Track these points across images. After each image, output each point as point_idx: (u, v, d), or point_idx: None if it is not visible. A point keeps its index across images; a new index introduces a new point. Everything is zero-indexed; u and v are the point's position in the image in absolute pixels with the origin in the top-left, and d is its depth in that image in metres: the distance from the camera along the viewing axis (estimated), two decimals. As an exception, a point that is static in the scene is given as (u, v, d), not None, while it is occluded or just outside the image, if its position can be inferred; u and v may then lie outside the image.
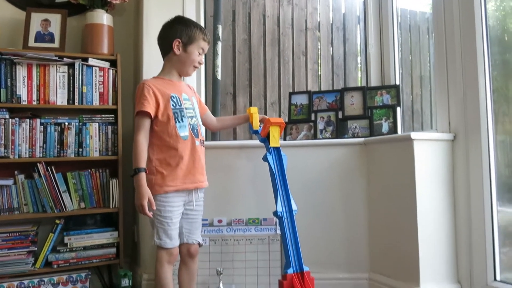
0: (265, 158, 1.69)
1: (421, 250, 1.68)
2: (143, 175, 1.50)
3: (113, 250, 2.09)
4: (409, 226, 1.70)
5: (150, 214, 1.51)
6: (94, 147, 2.13)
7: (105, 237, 2.09)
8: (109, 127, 2.15)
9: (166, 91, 1.59)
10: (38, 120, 2.02)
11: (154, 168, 1.56)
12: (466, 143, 1.75)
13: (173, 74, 1.66)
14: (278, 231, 1.88)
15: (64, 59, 2.04)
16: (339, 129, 2.12)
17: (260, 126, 1.81)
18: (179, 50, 1.61)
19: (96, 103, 2.14)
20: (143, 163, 1.52)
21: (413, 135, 1.69)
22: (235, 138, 2.39)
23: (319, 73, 2.97)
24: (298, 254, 1.55)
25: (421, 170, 1.70)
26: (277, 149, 1.71)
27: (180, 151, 1.56)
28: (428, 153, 1.73)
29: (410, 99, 2.79)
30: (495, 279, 1.66)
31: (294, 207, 1.63)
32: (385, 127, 2.05)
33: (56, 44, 2.11)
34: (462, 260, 1.74)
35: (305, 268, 1.54)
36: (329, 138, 2.09)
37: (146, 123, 1.55)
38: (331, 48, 2.98)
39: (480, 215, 1.69)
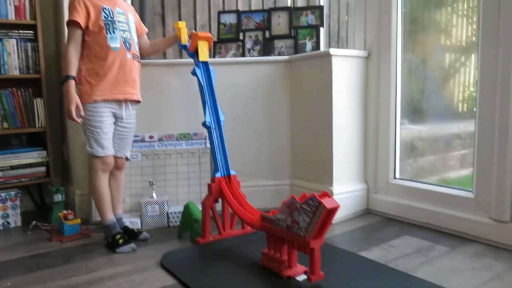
0: (193, 72, 1.74)
1: (335, 156, 1.89)
2: (71, 82, 1.54)
3: (43, 169, 2.10)
4: (326, 135, 1.89)
5: (78, 120, 1.55)
6: (13, 65, 2.04)
7: (32, 156, 2.08)
8: (29, 44, 2.06)
9: (98, 3, 1.61)
10: None
11: (83, 78, 1.59)
12: (378, 61, 1.93)
13: None
14: (208, 145, 1.99)
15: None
16: (266, 48, 2.20)
17: (188, 41, 1.83)
18: None
19: (11, 17, 2.02)
20: (71, 71, 1.55)
21: (332, 51, 1.83)
22: (165, 57, 2.38)
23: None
24: (226, 160, 1.68)
25: (337, 84, 1.86)
26: (205, 63, 1.76)
27: (109, 61, 1.58)
28: (345, 68, 1.89)
29: (336, 26, 2.92)
30: (394, 177, 1.93)
31: (222, 118, 1.73)
32: (308, 46, 2.17)
33: None
34: (369, 164, 1.99)
35: (232, 172, 1.68)
36: (256, 56, 2.17)
37: (77, 33, 1.58)
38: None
39: (386, 126, 1.92)
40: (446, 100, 2.01)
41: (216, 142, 1.70)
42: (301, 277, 1.30)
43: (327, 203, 1.16)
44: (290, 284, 1.27)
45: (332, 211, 1.18)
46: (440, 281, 1.26)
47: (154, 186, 1.93)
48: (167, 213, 1.89)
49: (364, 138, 1.99)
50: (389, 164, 1.93)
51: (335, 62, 1.84)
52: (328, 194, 1.21)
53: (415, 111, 2.05)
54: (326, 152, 1.90)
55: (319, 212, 1.17)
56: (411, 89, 2.00)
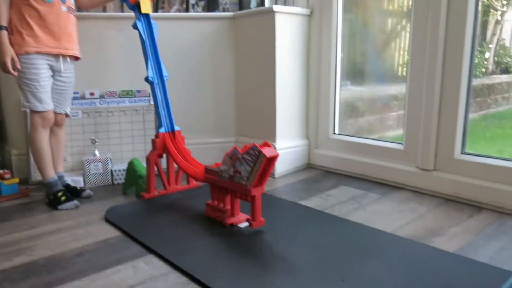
0: (134, 25, 1.69)
1: (278, 113, 1.94)
2: (4, 33, 1.46)
3: (-26, 128, 1.98)
4: (269, 93, 1.94)
5: (14, 73, 1.48)
6: None
7: (-39, 115, 1.95)
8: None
9: None
10: None
11: (14, 27, 1.50)
12: (320, 19, 1.97)
13: None
14: (152, 102, 1.97)
15: None
16: (211, 4, 2.17)
17: (128, -7, 1.76)
18: None
19: None
20: (3, 21, 1.46)
21: (275, 7, 1.84)
22: (104, 10, 2.28)
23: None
24: (170, 115, 1.68)
25: (281, 42, 1.89)
26: (146, 16, 1.71)
27: (42, 13, 1.50)
28: (288, 26, 1.91)
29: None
30: (334, 133, 2.03)
31: (165, 73, 1.71)
32: (253, 3, 2.16)
33: None
34: (310, 121, 2.07)
35: (176, 128, 1.69)
36: (200, 12, 2.14)
37: None
38: None
39: (327, 85, 2.00)
40: (386, 63, 2.11)
41: (160, 97, 1.69)
42: (244, 224, 1.37)
43: (267, 152, 1.21)
44: (232, 231, 1.33)
45: (272, 159, 1.24)
46: (370, 223, 1.38)
47: (97, 144, 1.89)
48: (111, 171, 1.88)
49: (306, 96, 2.06)
50: (329, 121, 2.02)
51: (278, 19, 1.86)
52: (268, 144, 1.26)
53: (357, 73, 2.14)
54: (269, 109, 1.95)
55: (260, 161, 1.22)
56: (354, 51, 2.08)
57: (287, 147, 1.99)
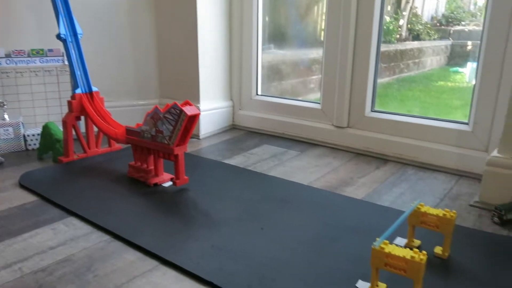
0: (41, -22, 1.56)
1: (201, 75, 1.94)
2: None
3: None
4: (192, 54, 1.92)
5: None
6: None
7: None
8: None
9: None
10: None
11: None
12: (242, -20, 1.97)
13: None
14: (66, 62, 1.85)
15: None
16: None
17: None
18: None
19: None
20: None
21: (195, -35, 1.80)
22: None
23: None
24: (86, 75, 1.61)
25: (202, 3, 1.86)
26: (54, -32, 1.59)
27: None
28: (209, -15, 1.89)
29: None
30: (257, 94, 2.09)
31: (79, 30, 1.62)
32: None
33: None
34: (234, 83, 2.10)
35: (94, 89, 1.62)
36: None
37: None
38: None
39: (249, 52, 2.02)
40: (309, 27, 2.17)
41: (74, 56, 1.60)
42: (168, 184, 1.39)
43: (188, 110, 1.22)
44: (157, 190, 1.34)
45: (194, 118, 1.25)
46: (289, 177, 1.47)
47: (6, 107, 1.76)
48: (24, 136, 1.76)
49: (229, 58, 2.07)
50: (252, 82, 2.06)
51: (199, -23, 1.82)
52: (189, 103, 1.27)
53: (280, 37, 2.18)
54: (192, 71, 1.94)
55: (181, 120, 1.23)
56: (278, 15, 2.10)
57: (211, 108, 2.00)
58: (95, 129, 1.63)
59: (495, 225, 1.14)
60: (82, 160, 1.61)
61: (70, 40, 1.60)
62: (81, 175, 1.46)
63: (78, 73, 1.59)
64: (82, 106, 1.57)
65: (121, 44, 2.00)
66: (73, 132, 1.59)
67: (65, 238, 1.06)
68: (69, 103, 1.57)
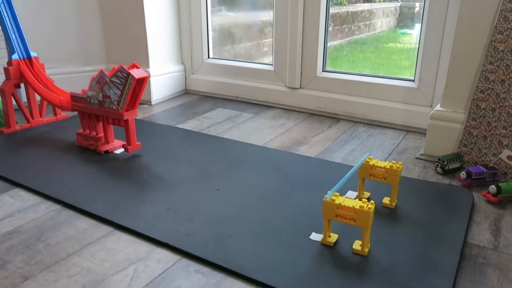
0: None
1: (149, 39, 1.86)
2: None
3: None
4: (138, 17, 1.83)
5: None
6: None
7: None
8: None
9: None
10: None
11: None
12: None
13: None
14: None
15: None
16: None
17: None
18: None
19: None
20: None
21: None
22: None
23: None
24: (22, 40, 1.49)
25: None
26: None
27: None
28: None
29: None
30: (208, 57, 2.04)
31: (10, -10, 1.49)
32: None
33: None
34: (185, 46, 2.04)
35: (33, 54, 1.52)
36: None
37: None
38: None
39: (198, 14, 1.95)
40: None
41: (7, 19, 1.48)
42: (119, 150, 1.35)
43: (135, 73, 1.18)
44: (108, 158, 1.30)
45: (142, 81, 1.21)
46: (244, 139, 1.48)
47: None
48: (-42, 107, 1.64)
49: (178, 21, 1.99)
50: (203, 45, 2.01)
51: None
52: (137, 65, 1.22)
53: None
54: (140, 34, 1.86)
55: (129, 83, 1.19)
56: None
57: (162, 73, 1.94)
58: (38, 98, 1.54)
59: (438, 175, 1.21)
60: (26, 131, 1.52)
61: (1, 1, 1.47)
62: (25, 146, 1.39)
63: (13, 37, 1.48)
64: (20, 73, 1.47)
65: (59, 5, 1.87)
66: (14, 102, 1.50)
67: (12, 210, 1.02)
68: (6, 69, 1.46)
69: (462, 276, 0.79)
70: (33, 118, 1.56)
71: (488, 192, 1.07)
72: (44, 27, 1.85)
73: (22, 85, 1.53)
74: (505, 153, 1.16)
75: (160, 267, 0.82)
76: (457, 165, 1.22)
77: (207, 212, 0.99)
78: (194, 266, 0.82)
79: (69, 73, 1.93)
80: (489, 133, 1.19)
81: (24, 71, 1.47)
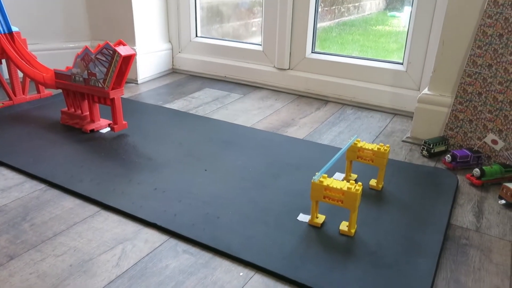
0: None
1: (135, 15, 1.81)
2: None
3: None
4: (125, -9, 1.78)
5: None
6: None
7: None
8: None
9: None
10: None
11: None
12: None
13: None
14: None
15: None
16: None
17: None
18: None
19: None
20: None
21: None
22: None
23: None
24: (3, 14, 1.44)
25: None
26: None
27: None
28: None
29: None
30: (196, 36, 2.00)
31: (-11, -39, 1.43)
32: None
33: None
34: (172, 24, 1.99)
35: (14, 29, 1.47)
36: None
37: None
38: None
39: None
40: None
41: (-13, -9, 1.43)
42: (105, 130, 1.33)
43: (122, 50, 1.15)
44: (94, 137, 1.28)
45: (128, 58, 1.19)
46: (232, 119, 1.47)
47: None
48: None
49: (165, 1, 1.95)
50: (191, 23, 1.97)
51: None
52: (123, 42, 1.19)
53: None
54: (125, 12, 1.81)
55: (115, 61, 1.16)
56: None
57: (149, 51, 1.90)
58: (21, 74, 1.50)
59: (424, 158, 1.23)
60: (8, 108, 1.48)
61: (-20, -28, 1.41)
62: (8, 124, 1.35)
63: (-6, 10, 1.43)
64: (1, 48, 1.43)
65: (42, -21, 1.80)
66: (-5, 78, 1.46)
67: (-5, 189, 1.00)
68: (-14, 45, 1.41)
69: (446, 256, 0.81)
70: (15, 95, 1.52)
71: (472, 175, 1.09)
72: (26, 1, 1.78)
73: (3, 61, 1.48)
74: (490, 137, 1.18)
75: (148, 247, 0.81)
76: (442, 148, 1.23)
77: (195, 192, 0.99)
78: (182, 246, 0.82)
79: (53, 50, 1.88)
80: (475, 117, 1.20)
81: (5, 46, 1.42)
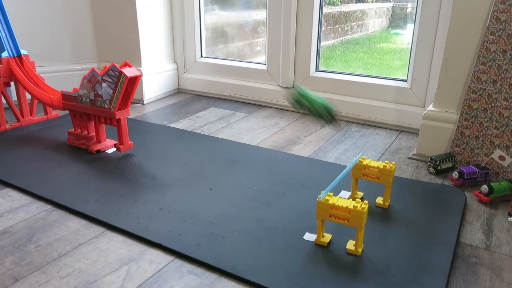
0: None
1: (141, 37, 1.85)
2: None
3: None
4: (131, 18, 1.81)
5: None
6: None
7: None
8: None
9: None
10: None
11: None
12: None
13: None
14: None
15: None
16: None
17: None
18: None
19: None
20: None
21: None
22: None
23: None
24: (12, 37, 1.47)
25: (139, -44, 1.75)
26: None
27: None
28: None
29: None
30: (201, 56, 2.03)
31: (0, -13, 1.47)
32: None
33: None
34: (177, 45, 2.02)
35: (23, 52, 1.49)
36: None
37: None
38: None
39: (191, 13, 1.94)
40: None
41: (-3, 16, 1.46)
42: (111, 150, 1.34)
43: (128, 72, 1.17)
44: (100, 157, 1.29)
45: (134, 80, 1.20)
46: (237, 138, 1.47)
47: None
48: None
49: (170, 19, 1.98)
50: (196, 44, 2.00)
51: None
52: (129, 64, 1.21)
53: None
54: (132, 33, 1.84)
55: (121, 82, 1.18)
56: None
57: (155, 72, 1.93)
58: (29, 96, 1.52)
59: (430, 175, 1.22)
60: (16, 130, 1.50)
61: (-9, -3, 1.45)
62: (15, 145, 1.37)
63: (3, 34, 1.46)
64: (10, 71, 1.45)
65: (50, 2, 1.85)
66: (3, 100, 1.48)
67: (2, 210, 1.00)
68: (-4, 67, 1.44)
69: (455, 275, 0.80)
70: (23, 117, 1.54)
71: (480, 192, 1.08)
72: (34, 25, 1.82)
73: (12, 83, 1.51)
74: (497, 153, 1.17)
75: (153, 267, 0.81)
76: (449, 165, 1.22)
77: (200, 212, 0.98)
78: (187, 266, 0.81)
79: (60, 72, 1.91)
80: (481, 133, 1.20)
81: (14, 69, 1.45)
